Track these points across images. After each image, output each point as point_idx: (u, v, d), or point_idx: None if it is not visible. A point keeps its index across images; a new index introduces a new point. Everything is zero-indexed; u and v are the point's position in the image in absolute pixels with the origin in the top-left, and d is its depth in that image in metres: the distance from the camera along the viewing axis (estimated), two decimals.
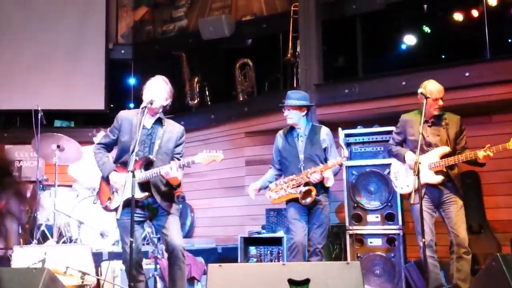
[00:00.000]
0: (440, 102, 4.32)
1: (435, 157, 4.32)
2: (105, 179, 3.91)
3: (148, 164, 3.79)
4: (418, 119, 4.39)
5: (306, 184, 4.29)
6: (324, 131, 4.51)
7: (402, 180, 4.50)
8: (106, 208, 3.94)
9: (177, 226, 3.89)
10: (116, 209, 3.75)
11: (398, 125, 4.60)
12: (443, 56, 6.30)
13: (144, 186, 3.77)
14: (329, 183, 4.34)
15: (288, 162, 4.48)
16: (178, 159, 3.81)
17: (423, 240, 3.95)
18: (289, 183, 4.37)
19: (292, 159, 4.46)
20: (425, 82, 4.38)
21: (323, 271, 3.13)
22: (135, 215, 3.71)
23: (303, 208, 4.37)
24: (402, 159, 4.47)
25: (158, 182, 3.81)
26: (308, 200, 4.28)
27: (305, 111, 4.52)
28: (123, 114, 3.97)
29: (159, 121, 3.90)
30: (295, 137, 4.53)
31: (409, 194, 4.26)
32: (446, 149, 4.33)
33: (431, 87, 4.31)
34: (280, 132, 4.64)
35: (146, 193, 3.76)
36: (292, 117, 4.48)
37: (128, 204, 3.58)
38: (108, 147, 4.01)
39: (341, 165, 4.52)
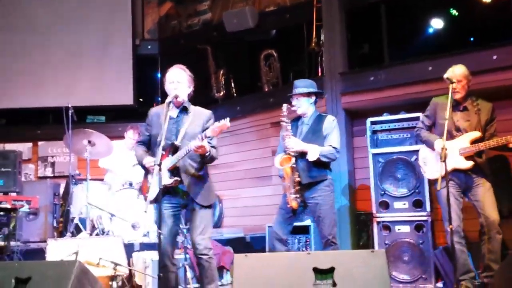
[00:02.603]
0: (459, 86, 4.27)
1: (465, 142, 4.29)
2: (144, 168, 4.01)
3: (174, 151, 3.82)
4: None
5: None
6: (329, 119, 4.42)
7: (432, 166, 4.45)
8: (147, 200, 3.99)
9: (203, 222, 3.84)
10: (153, 201, 3.86)
11: (428, 108, 4.57)
12: (470, 40, 6.17)
13: (174, 172, 3.81)
14: (309, 156, 4.22)
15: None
16: (209, 142, 3.78)
17: (450, 226, 3.93)
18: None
19: None
20: (453, 67, 4.37)
21: (348, 260, 3.13)
22: (169, 205, 3.85)
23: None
24: (431, 145, 4.43)
25: (187, 166, 3.83)
26: (286, 165, 4.24)
27: (314, 99, 4.48)
28: (152, 110, 4.08)
29: (184, 110, 3.95)
30: (299, 125, 4.47)
31: (435, 180, 4.25)
32: (477, 134, 4.29)
33: (452, 71, 4.31)
34: (288, 121, 4.48)
35: (175, 178, 3.78)
36: (301, 105, 4.43)
37: (163, 194, 3.70)
38: (145, 144, 4.08)
39: (336, 150, 4.32)
